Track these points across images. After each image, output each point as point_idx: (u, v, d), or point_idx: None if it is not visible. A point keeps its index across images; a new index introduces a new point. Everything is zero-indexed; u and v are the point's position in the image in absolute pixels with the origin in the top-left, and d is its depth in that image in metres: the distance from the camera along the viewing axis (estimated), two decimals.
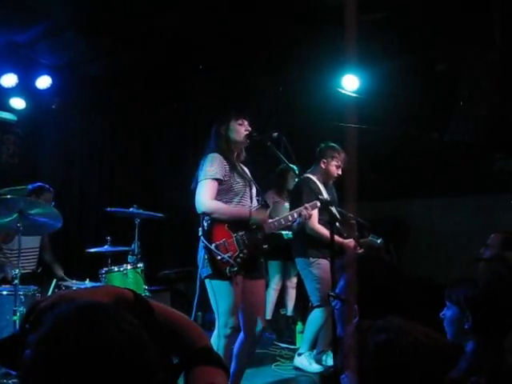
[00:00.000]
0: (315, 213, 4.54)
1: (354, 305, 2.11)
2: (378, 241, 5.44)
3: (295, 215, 4.13)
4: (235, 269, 3.73)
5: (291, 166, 4.37)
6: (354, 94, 6.05)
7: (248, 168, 4.21)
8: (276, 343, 5.87)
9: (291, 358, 5.34)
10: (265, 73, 6.83)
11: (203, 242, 3.79)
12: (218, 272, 3.75)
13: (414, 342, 1.55)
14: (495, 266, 3.12)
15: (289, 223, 4.15)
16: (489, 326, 2.18)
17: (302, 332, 5.67)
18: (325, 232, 4.94)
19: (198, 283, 3.89)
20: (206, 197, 3.80)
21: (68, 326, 1.04)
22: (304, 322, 5.59)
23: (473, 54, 5.43)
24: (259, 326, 3.98)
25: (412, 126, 5.91)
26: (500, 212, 5.50)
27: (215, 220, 3.82)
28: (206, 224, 3.83)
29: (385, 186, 6.08)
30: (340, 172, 5.08)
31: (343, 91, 6.07)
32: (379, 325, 1.63)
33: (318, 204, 4.26)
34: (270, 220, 4.02)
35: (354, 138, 4.77)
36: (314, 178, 5.01)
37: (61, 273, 5.54)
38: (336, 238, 4.95)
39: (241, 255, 3.78)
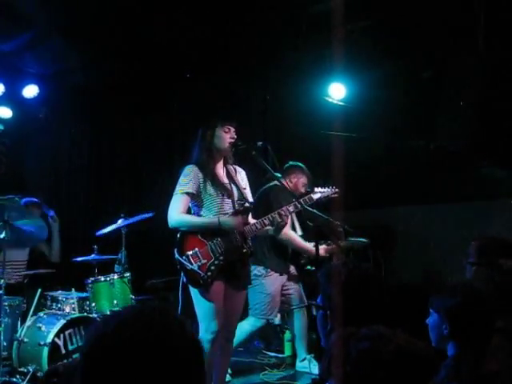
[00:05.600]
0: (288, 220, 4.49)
1: (337, 313, 2.12)
2: (359, 241, 5.48)
3: (276, 217, 3.98)
4: (206, 278, 3.77)
5: (276, 174, 4.40)
6: (341, 103, 6.07)
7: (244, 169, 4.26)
8: (264, 352, 5.86)
9: (279, 367, 5.34)
10: (251, 81, 6.85)
11: (175, 253, 3.86)
12: (192, 281, 3.83)
13: (396, 350, 1.55)
14: (488, 272, 3.14)
15: (265, 227, 4.04)
16: (466, 335, 2.21)
17: (290, 340, 5.68)
18: (296, 238, 5.02)
19: (180, 291, 3.93)
20: (174, 211, 3.88)
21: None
22: (292, 330, 5.59)
23: (458, 61, 5.48)
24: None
25: (398, 133, 5.94)
26: (485, 219, 5.54)
27: (187, 231, 3.88)
28: (178, 235, 3.90)
29: (371, 193, 6.10)
30: (304, 190, 5.15)
31: (330, 100, 6.10)
32: (362, 333, 1.64)
33: (315, 197, 4.27)
34: (252, 222, 3.99)
35: (341, 146, 4.83)
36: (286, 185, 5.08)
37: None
38: (302, 243, 5.04)
39: (216, 262, 3.81)
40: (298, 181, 5.21)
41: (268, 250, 5.04)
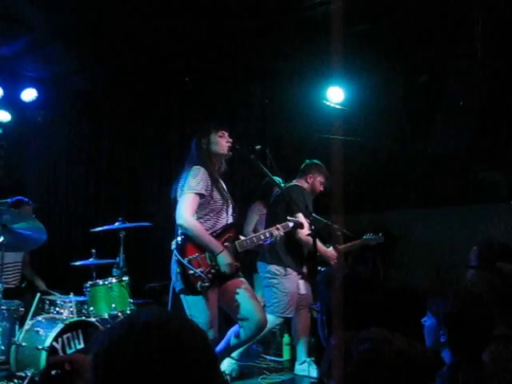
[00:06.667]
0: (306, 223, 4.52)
1: (333, 318, 2.12)
2: (374, 238, 5.52)
3: (267, 234, 4.07)
4: (207, 284, 3.73)
5: (275, 178, 4.40)
6: (339, 106, 6.08)
7: (225, 182, 4.18)
8: (262, 356, 5.84)
9: (278, 371, 5.33)
10: (250, 85, 6.86)
11: (176, 255, 3.81)
12: (190, 287, 3.77)
13: (396, 352, 1.56)
14: (487, 275, 3.14)
15: (260, 242, 4.08)
16: (464, 342, 2.20)
17: (289, 344, 5.66)
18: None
19: (170, 295, 3.90)
20: (187, 211, 3.79)
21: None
22: (291, 333, 5.58)
23: (456, 65, 5.49)
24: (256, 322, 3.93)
25: (396, 137, 5.95)
26: (485, 222, 5.54)
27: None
28: (180, 238, 3.84)
29: (370, 197, 6.10)
30: (322, 189, 5.22)
31: (328, 103, 6.11)
32: (363, 335, 1.64)
33: (291, 225, 4.24)
34: (243, 238, 4.02)
35: (339, 150, 4.82)
36: (304, 186, 5.15)
37: (43, 286, 5.53)
38: (320, 246, 5.05)
39: (212, 271, 3.78)
40: (315, 180, 5.20)
41: (286, 249, 5.00)
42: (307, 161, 5.27)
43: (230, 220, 4.00)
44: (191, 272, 3.74)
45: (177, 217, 3.81)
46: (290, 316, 5.15)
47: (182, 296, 3.83)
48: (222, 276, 3.86)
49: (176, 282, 3.83)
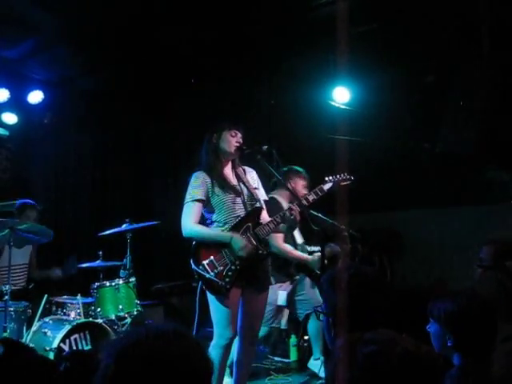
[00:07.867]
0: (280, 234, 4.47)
1: (339, 320, 2.11)
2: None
3: (292, 207, 3.88)
4: (224, 284, 3.75)
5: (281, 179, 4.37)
6: (345, 107, 6.07)
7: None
8: (269, 357, 5.84)
9: (285, 372, 5.33)
10: (256, 86, 6.85)
11: (191, 263, 3.84)
12: (211, 289, 3.81)
13: (403, 354, 1.54)
14: (497, 274, 3.12)
15: (278, 225, 3.95)
16: (470, 343, 2.18)
17: (295, 345, 5.66)
18: (290, 250, 5.00)
19: (197, 296, 3.93)
20: (187, 221, 3.86)
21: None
22: (297, 335, 5.57)
23: (462, 65, 5.47)
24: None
25: (403, 137, 5.92)
26: (491, 222, 5.52)
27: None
28: (192, 245, 3.88)
29: (376, 197, 6.08)
30: (306, 191, 5.02)
31: (334, 103, 6.09)
32: (368, 337, 1.63)
33: (326, 187, 4.07)
34: (263, 224, 3.93)
35: (346, 150, 4.81)
36: (280, 199, 5.07)
37: (60, 273, 5.58)
38: (297, 254, 5.01)
39: (232, 268, 3.78)
40: (297, 185, 5.12)
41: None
42: (284, 168, 4.90)
43: (248, 209, 3.95)
44: (207, 276, 3.77)
45: (182, 229, 3.88)
46: (276, 326, 5.11)
47: (207, 292, 3.87)
48: (247, 273, 3.84)
49: (201, 283, 3.87)
